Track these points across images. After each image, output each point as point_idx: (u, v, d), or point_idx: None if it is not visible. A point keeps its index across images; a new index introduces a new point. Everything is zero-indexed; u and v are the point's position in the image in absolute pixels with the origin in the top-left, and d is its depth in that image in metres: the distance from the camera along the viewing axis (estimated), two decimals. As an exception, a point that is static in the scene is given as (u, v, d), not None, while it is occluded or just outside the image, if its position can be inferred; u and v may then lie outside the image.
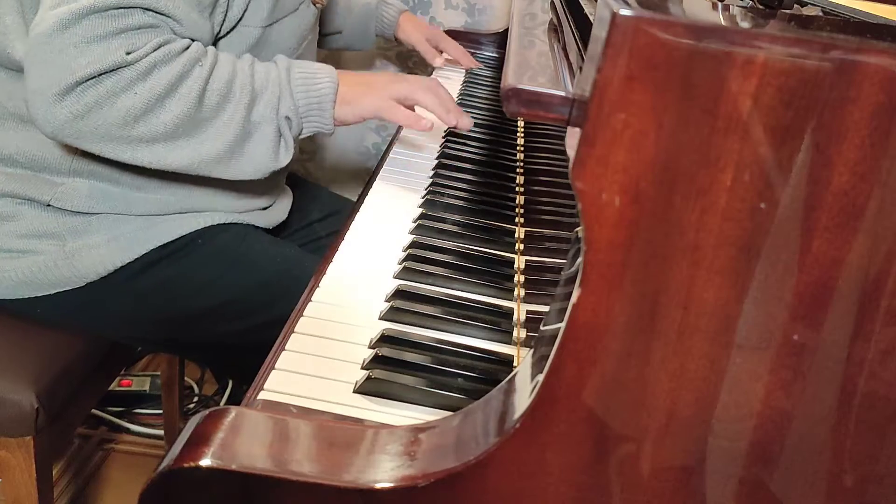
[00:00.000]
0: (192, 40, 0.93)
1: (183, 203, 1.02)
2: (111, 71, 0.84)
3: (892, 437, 0.49)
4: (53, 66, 0.84)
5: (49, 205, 0.99)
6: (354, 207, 1.00)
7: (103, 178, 0.99)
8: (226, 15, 0.97)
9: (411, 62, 1.94)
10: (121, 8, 0.85)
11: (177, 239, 1.02)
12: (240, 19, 0.99)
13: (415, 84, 1.06)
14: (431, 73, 1.61)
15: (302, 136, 1.01)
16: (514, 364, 0.71)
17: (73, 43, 0.83)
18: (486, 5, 1.93)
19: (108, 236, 1.00)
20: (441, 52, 1.62)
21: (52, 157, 0.99)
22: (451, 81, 1.55)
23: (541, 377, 0.49)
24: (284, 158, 0.97)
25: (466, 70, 1.62)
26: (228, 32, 0.99)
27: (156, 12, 0.88)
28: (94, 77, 0.84)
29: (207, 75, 0.90)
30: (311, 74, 0.99)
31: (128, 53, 0.85)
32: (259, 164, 0.96)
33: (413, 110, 1.06)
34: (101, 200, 1.00)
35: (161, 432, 1.67)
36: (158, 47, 0.87)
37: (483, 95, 1.51)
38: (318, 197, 1.34)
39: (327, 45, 1.57)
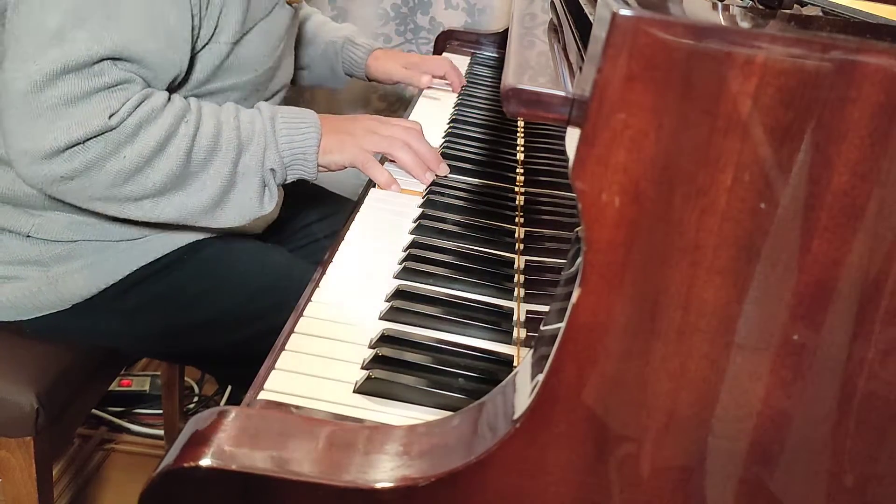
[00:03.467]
0: (170, 91, 0.92)
1: (163, 224, 1.01)
2: (97, 136, 0.84)
3: (892, 437, 0.49)
4: (35, 130, 0.83)
5: (29, 235, 0.99)
6: (354, 208, 1.00)
7: (80, 212, 0.99)
8: (197, 37, 0.96)
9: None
10: (94, 64, 0.84)
11: (161, 257, 1.02)
12: (210, 37, 0.98)
13: (394, 140, 1.06)
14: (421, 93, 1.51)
15: (286, 183, 1.01)
16: (514, 364, 0.71)
17: (51, 106, 0.83)
18: (486, 5, 1.93)
19: (91, 260, 1.00)
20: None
21: (25, 195, 0.99)
22: (442, 102, 1.47)
23: (541, 377, 0.49)
24: (269, 206, 0.98)
25: (459, 92, 1.52)
26: (199, 52, 0.98)
27: (127, 60, 0.87)
28: (81, 143, 0.84)
29: (194, 132, 0.90)
30: (295, 124, 0.99)
31: (110, 117, 0.84)
32: (244, 211, 0.96)
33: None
34: (79, 230, 1.00)
35: (161, 432, 1.67)
36: (139, 104, 0.87)
37: (483, 95, 1.51)
38: (316, 198, 1.33)
39: (297, 80, 1.48)
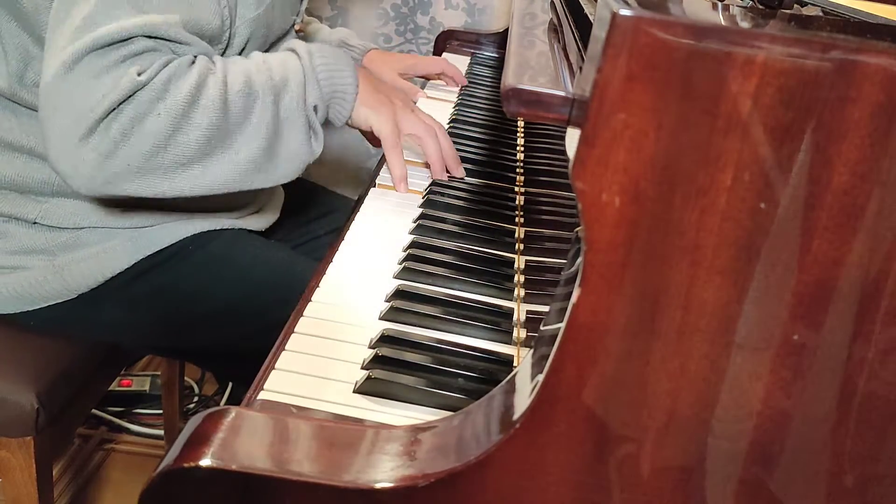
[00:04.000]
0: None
1: (169, 213, 1.02)
2: (128, 97, 0.82)
3: (892, 437, 0.49)
4: (69, 111, 0.81)
5: (35, 222, 0.99)
6: (354, 207, 1.00)
7: (87, 198, 0.98)
8: (224, 52, 0.97)
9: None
10: (123, 39, 0.82)
11: (167, 247, 1.01)
12: (239, 54, 0.98)
13: (430, 128, 1.05)
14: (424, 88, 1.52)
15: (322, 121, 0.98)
16: (514, 364, 0.71)
17: (81, 83, 0.81)
18: (486, 5, 1.93)
19: (97, 249, 0.99)
20: (425, 79, 1.54)
21: (33, 181, 0.98)
22: (442, 102, 1.47)
23: (541, 377, 0.49)
24: (318, 148, 0.96)
25: (460, 90, 1.53)
26: None
27: (157, 38, 0.86)
28: (114, 109, 0.81)
29: (223, 80, 0.88)
30: (333, 61, 0.96)
31: (139, 74, 0.82)
32: (297, 159, 0.94)
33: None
34: (86, 216, 0.99)
35: (161, 432, 1.67)
36: (166, 64, 0.85)
37: (483, 95, 1.51)
38: (315, 195, 1.34)
39: None
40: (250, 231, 1.10)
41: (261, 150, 0.90)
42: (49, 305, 1.01)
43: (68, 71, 0.81)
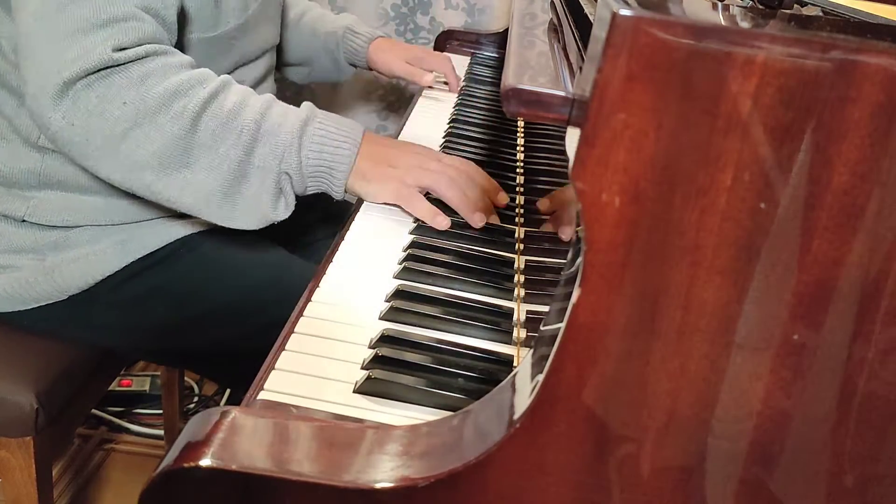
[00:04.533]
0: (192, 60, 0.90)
1: (160, 211, 1.00)
2: (98, 71, 0.81)
3: (892, 437, 0.49)
4: (44, 64, 0.80)
5: (24, 220, 0.98)
6: (354, 208, 1.00)
7: (74, 189, 0.98)
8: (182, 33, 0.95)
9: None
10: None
11: (158, 249, 1.00)
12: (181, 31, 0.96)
13: (440, 176, 0.95)
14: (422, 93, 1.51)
15: (307, 193, 0.95)
16: (514, 364, 0.71)
17: (60, 35, 0.79)
18: (486, 5, 1.93)
19: (87, 250, 0.99)
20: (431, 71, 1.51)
21: (19, 172, 0.98)
22: (442, 102, 1.46)
23: (541, 377, 0.49)
24: (283, 213, 0.92)
25: (460, 90, 1.51)
26: None
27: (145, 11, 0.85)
28: (83, 78, 0.80)
29: (207, 98, 0.85)
30: (330, 135, 0.91)
31: (115, 51, 0.81)
32: (257, 212, 0.90)
33: None
34: (76, 212, 0.98)
35: (161, 432, 1.67)
36: (152, 54, 0.84)
37: (483, 95, 1.51)
38: (316, 199, 1.33)
39: (296, 77, 1.47)
40: (244, 232, 1.09)
41: (218, 183, 0.86)
42: (41, 306, 1.00)
43: (44, 18, 0.80)
